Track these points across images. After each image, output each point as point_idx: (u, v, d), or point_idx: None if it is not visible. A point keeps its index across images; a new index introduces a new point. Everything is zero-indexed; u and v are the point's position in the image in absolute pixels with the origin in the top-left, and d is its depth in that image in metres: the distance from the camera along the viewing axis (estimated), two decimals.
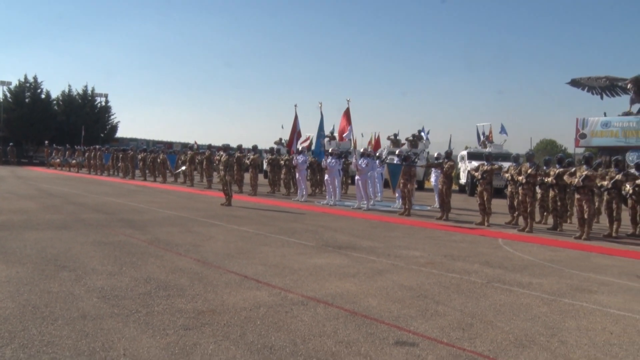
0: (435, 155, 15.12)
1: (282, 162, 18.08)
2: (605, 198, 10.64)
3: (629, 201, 10.56)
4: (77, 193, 15.85)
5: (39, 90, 41.47)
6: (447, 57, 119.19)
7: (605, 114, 26.14)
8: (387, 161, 16.31)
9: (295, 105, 17.24)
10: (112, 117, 45.61)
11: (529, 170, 10.69)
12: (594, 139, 26.13)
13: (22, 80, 40.93)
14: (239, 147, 19.09)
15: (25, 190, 16.06)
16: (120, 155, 26.13)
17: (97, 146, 31.00)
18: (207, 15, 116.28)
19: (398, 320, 4.33)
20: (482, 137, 24.68)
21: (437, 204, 13.98)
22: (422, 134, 24.60)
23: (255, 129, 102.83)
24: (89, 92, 44.27)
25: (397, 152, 15.39)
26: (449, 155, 13.23)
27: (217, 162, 14.85)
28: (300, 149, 16.84)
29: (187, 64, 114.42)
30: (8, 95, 40.20)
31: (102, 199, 14.22)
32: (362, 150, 15.25)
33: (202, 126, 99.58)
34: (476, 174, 11.78)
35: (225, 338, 3.76)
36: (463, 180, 22.46)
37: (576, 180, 9.86)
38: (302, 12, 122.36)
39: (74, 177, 25.73)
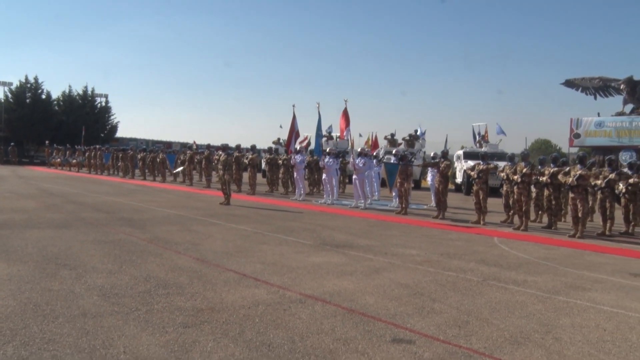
0: (432, 154, 15.22)
1: (280, 162, 18.12)
2: (598, 197, 10.74)
3: (622, 200, 10.69)
4: (78, 192, 15.85)
5: (39, 91, 41.70)
6: (444, 58, 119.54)
7: (598, 114, 26.45)
8: (384, 160, 16.37)
9: (294, 106, 17.29)
10: (112, 117, 45.81)
11: (524, 170, 10.78)
12: (588, 138, 26.46)
13: (23, 80, 41.24)
14: (238, 147, 19.11)
15: (27, 190, 16.06)
16: (120, 155, 26.20)
17: (97, 146, 31.11)
18: (206, 15, 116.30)
19: (395, 318, 4.37)
20: (477, 137, 24.78)
21: (433, 203, 14.04)
22: (419, 133, 24.69)
23: (254, 128, 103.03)
24: (89, 92, 44.48)
25: (394, 151, 15.45)
26: (445, 154, 13.30)
27: (216, 161, 14.89)
28: (298, 148, 16.88)
29: (186, 65, 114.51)
30: (9, 95, 40.46)
31: (102, 198, 14.24)
32: (359, 149, 15.30)
33: (201, 126, 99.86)
34: (472, 173, 11.85)
35: (224, 335, 3.79)
36: (459, 179, 22.54)
37: (570, 179, 9.94)
38: (300, 12, 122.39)
39: (75, 176, 25.73)
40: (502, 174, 11.51)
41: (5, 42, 78.90)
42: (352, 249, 7.60)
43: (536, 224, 11.66)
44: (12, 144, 37.13)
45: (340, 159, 16.60)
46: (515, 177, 10.86)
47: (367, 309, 4.59)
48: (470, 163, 16.16)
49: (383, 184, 17.17)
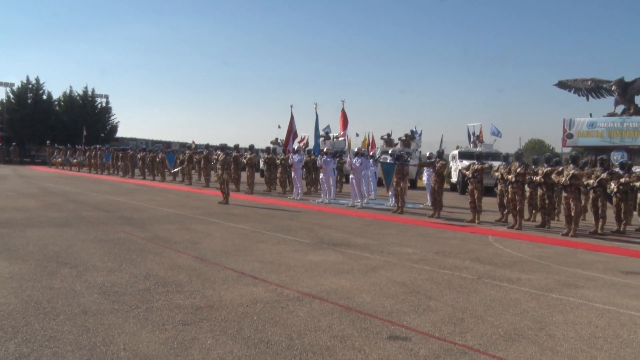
0: (428, 154, 15.24)
1: (278, 161, 18.14)
2: (591, 196, 10.85)
3: (614, 199, 10.82)
4: (78, 191, 15.87)
5: (40, 92, 41.97)
6: (439, 59, 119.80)
7: (591, 115, 26.77)
8: (381, 160, 16.44)
9: (291, 106, 17.37)
10: (112, 117, 45.89)
11: (518, 169, 10.88)
12: (580, 138, 26.79)
13: (25, 81, 41.49)
14: (236, 147, 19.14)
15: (28, 189, 16.08)
16: (120, 155, 26.28)
17: (98, 146, 31.27)
18: (204, 16, 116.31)
19: (391, 315, 4.41)
20: (472, 137, 24.89)
21: (429, 202, 14.12)
22: (415, 133, 24.77)
23: (252, 129, 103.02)
24: (89, 93, 44.62)
25: (390, 151, 15.52)
26: (440, 154, 13.36)
27: (214, 161, 14.92)
28: (296, 148, 16.93)
29: (185, 65, 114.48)
30: (11, 96, 40.67)
31: (102, 197, 14.26)
32: (356, 149, 15.37)
33: (200, 126, 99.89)
34: (467, 172, 11.93)
35: (222, 333, 3.83)
36: (454, 179, 22.63)
37: (563, 179, 10.04)
38: (298, 13, 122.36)
39: (75, 176, 25.74)
40: (496, 174, 11.60)
41: (7, 43, 79.11)
42: (349, 248, 7.65)
43: (530, 223, 11.75)
44: (13, 143, 37.32)
45: (337, 159, 16.67)
46: (510, 176, 10.95)
47: (363, 307, 4.63)
48: (465, 163, 16.27)
49: (379, 183, 17.27)
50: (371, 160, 16.44)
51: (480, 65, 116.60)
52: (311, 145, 17.36)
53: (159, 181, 22.37)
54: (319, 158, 15.24)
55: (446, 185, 16.96)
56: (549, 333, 4.14)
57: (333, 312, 4.44)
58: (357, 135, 29.76)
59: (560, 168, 10.53)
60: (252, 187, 17.45)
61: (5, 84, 40.32)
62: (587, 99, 28.24)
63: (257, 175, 20.21)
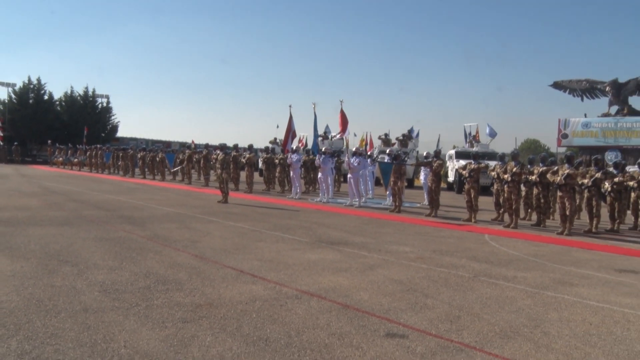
0: (425, 154, 15.34)
1: (276, 161, 18.18)
2: (585, 195, 10.95)
3: (608, 198, 10.92)
4: (79, 191, 15.89)
5: (42, 92, 42.24)
6: (436, 59, 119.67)
7: (585, 115, 26.99)
8: (378, 160, 16.50)
9: (290, 106, 17.48)
10: (112, 117, 45.94)
11: (514, 169, 10.96)
12: (575, 138, 27.01)
13: (26, 81, 41.68)
14: (235, 146, 19.13)
15: (29, 188, 16.09)
16: (121, 154, 26.36)
17: (98, 145, 31.35)
18: (204, 17, 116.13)
19: (388, 313, 4.45)
20: (469, 137, 24.99)
21: (426, 201, 14.16)
22: (412, 133, 24.84)
23: (251, 128, 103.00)
24: (90, 93, 44.69)
25: (387, 151, 15.56)
26: (437, 154, 13.42)
27: (214, 160, 14.96)
28: (294, 148, 16.98)
29: (185, 66, 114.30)
30: (13, 96, 40.91)
31: (103, 196, 14.28)
32: (354, 149, 15.43)
33: (200, 126, 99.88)
34: (464, 172, 11.98)
35: (222, 330, 3.85)
36: (451, 178, 22.72)
37: (558, 178, 10.12)
38: (297, 13, 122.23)
39: (76, 175, 25.78)
40: (492, 173, 11.67)
41: (9, 44, 79.09)
42: (347, 246, 7.69)
43: (526, 222, 11.84)
44: (15, 143, 37.51)
45: (336, 158, 16.71)
46: (506, 176, 11.03)
47: (361, 305, 4.66)
48: (462, 162, 16.33)
49: (377, 182, 17.33)
50: (369, 160, 16.48)
51: (478, 66, 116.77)
52: (310, 145, 17.42)
53: (159, 180, 22.41)
54: (317, 157, 15.29)
55: (443, 185, 16.99)
56: (544, 330, 4.18)
57: (331, 310, 4.47)
58: (355, 135, 29.83)
59: (556, 168, 10.61)
60: (251, 187, 17.49)
61: (7, 84, 40.60)
62: (582, 100, 28.57)
63: (256, 174, 20.24)
